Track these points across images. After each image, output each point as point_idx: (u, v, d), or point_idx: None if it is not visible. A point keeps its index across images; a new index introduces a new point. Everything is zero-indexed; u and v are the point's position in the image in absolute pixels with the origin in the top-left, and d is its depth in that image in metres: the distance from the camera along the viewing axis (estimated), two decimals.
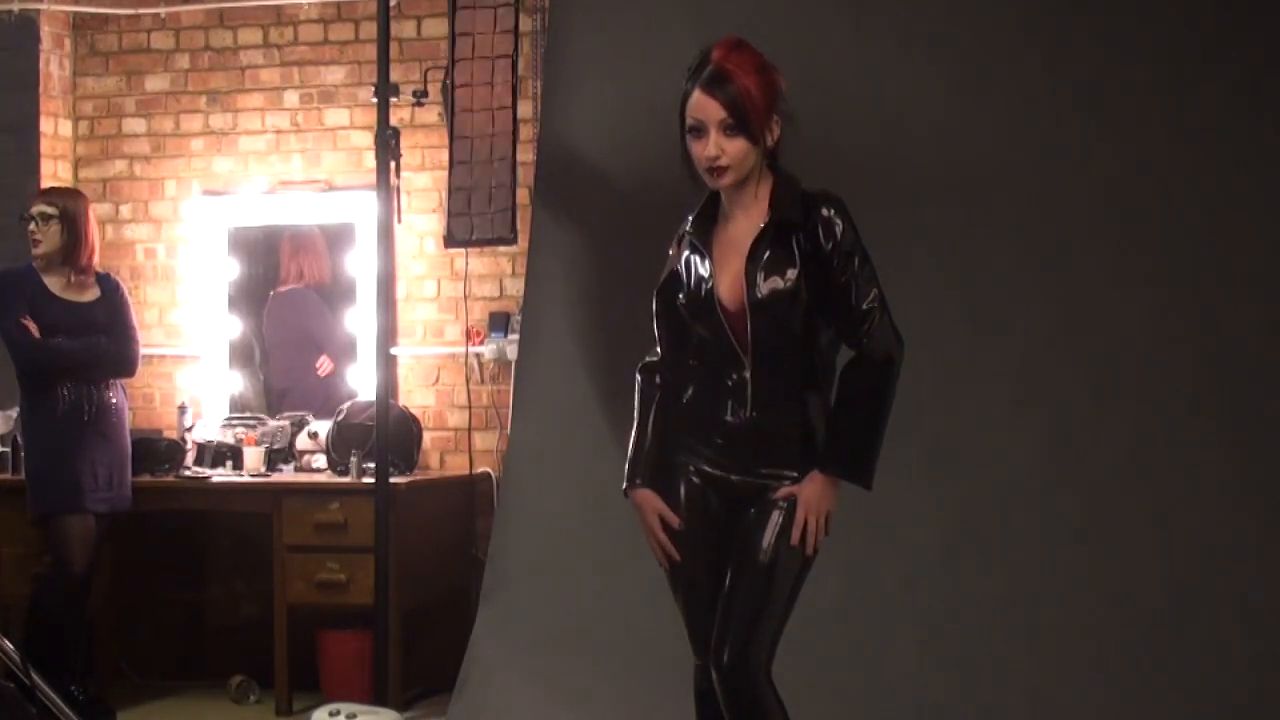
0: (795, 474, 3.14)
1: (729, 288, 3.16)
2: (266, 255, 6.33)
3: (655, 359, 3.34)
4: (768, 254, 3.13)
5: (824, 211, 3.11)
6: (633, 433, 3.32)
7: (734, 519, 3.20)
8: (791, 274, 3.10)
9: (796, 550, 3.11)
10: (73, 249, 5.36)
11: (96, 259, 5.49)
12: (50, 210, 5.35)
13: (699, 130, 3.14)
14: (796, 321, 3.12)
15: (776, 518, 3.12)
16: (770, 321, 3.12)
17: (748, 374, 3.13)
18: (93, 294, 5.42)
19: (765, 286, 3.11)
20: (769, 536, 3.12)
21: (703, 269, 3.20)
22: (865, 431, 3.12)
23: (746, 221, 3.19)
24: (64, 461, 5.25)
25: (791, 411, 3.15)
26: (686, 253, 3.26)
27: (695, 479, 3.21)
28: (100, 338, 5.34)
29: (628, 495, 3.29)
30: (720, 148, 3.11)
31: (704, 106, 3.13)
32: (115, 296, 5.46)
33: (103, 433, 5.32)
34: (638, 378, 3.35)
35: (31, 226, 5.35)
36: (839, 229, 3.09)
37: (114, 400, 5.38)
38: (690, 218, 3.30)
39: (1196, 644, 4.44)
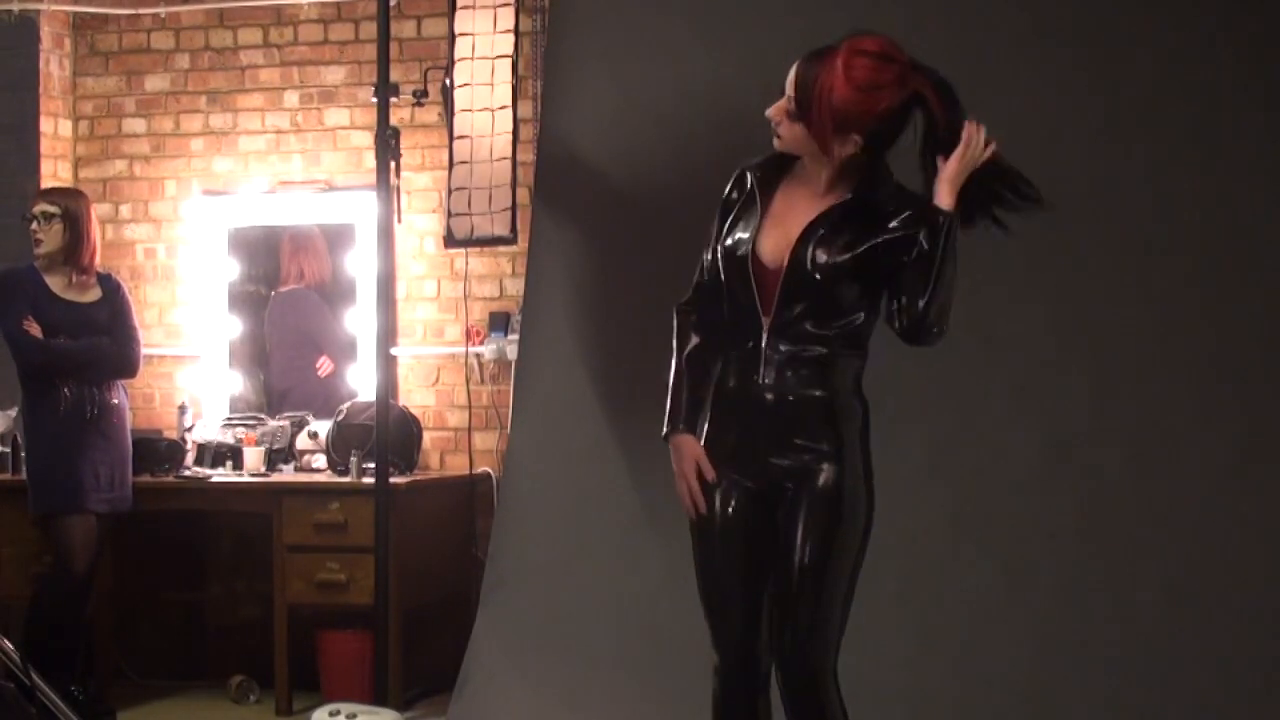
0: (826, 447, 3.08)
1: (774, 242, 3.11)
2: (267, 255, 6.33)
3: (691, 297, 3.28)
4: (833, 224, 3.08)
5: (911, 215, 3.05)
6: (670, 376, 3.25)
7: (771, 516, 3.14)
8: (851, 251, 3.06)
9: (846, 542, 3.05)
10: (75, 248, 5.36)
11: (98, 259, 5.49)
12: (53, 210, 5.35)
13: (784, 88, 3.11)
14: (837, 295, 3.07)
15: (815, 510, 3.07)
16: (806, 287, 3.07)
17: (764, 338, 3.10)
18: (94, 294, 5.42)
19: (818, 252, 3.06)
20: (812, 532, 3.06)
21: (750, 216, 3.15)
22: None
23: (817, 191, 3.13)
24: (66, 461, 5.25)
25: (814, 379, 3.09)
26: (736, 194, 3.20)
27: (726, 482, 3.16)
28: (102, 338, 5.34)
29: (667, 440, 3.23)
30: (780, 113, 3.09)
31: (790, 78, 3.09)
32: (116, 297, 5.46)
33: (104, 433, 5.32)
34: (675, 318, 3.29)
35: (34, 226, 5.35)
36: (942, 234, 3.02)
37: (115, 401, 5.38)
38: (757, 161, 3.23)
39: (1197, 644, 4.44)
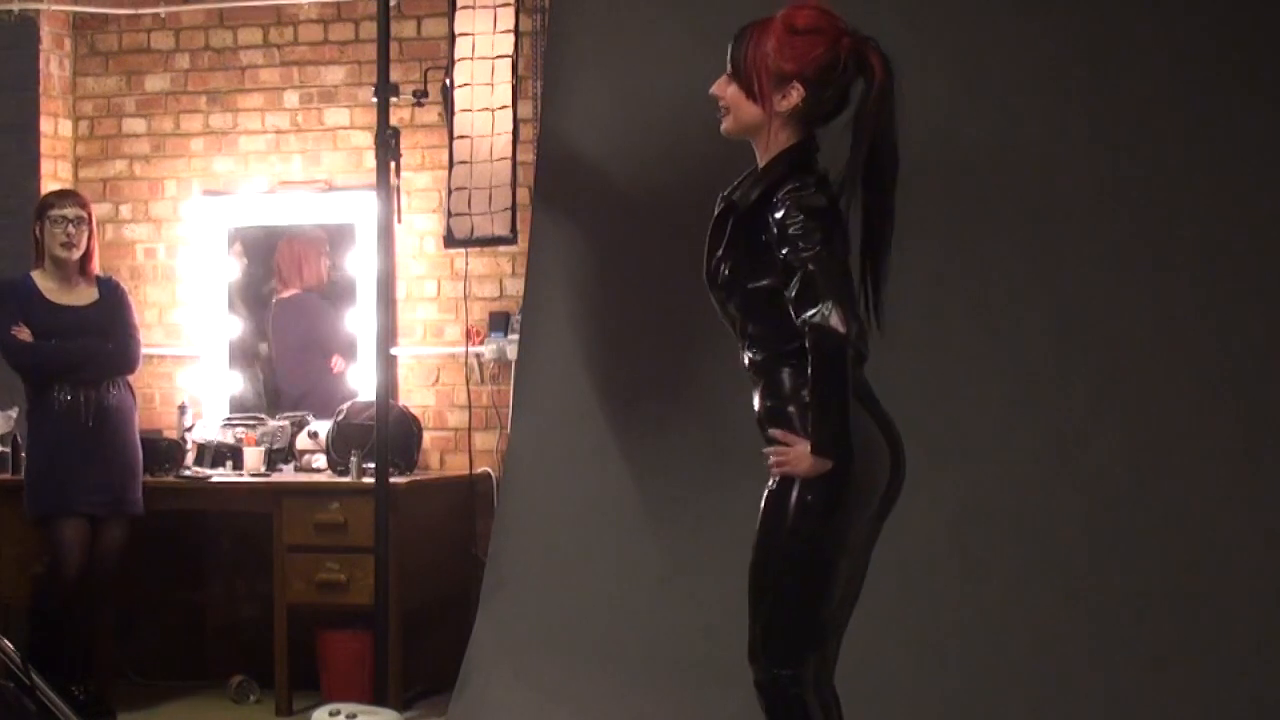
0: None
1: None
2: (267, 255, 6.33)
3: None
4: (720, 222, 3.05)
5: (775, 199, 2.94)
6: None
7: None
8: (733, 251, 3.01)
9: (778, 544, 2.94)
10: (91, 252, 5.43)
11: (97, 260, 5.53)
12: (84, 214, 5.40)
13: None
14: (740, 299, 3.01)
15: (761, 517, 2.99)
16: (720, 297, 3.06)
17: (741, 349, 3.08)
18: (90, 296, 5.43)
19: (713, 262, 3.05)
20: (756, 540, 3.00)
21: None
22: (814, 409, 2.87)
23: None
24: (58, 464, 5.27)
25: (768, 389, 3.02)
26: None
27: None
28: (94, 339, 5.34)
29: None
30: (723, 88, 3.07)
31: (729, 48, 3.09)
32: (115, 297, 5.47)
33: (100, 436, 5.32)
34: None
35: (71, 230, 5.36)
36: (779, 214, 2.92)
37: (113, 404, 5.37)
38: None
39: (1197, 644, 4.44)
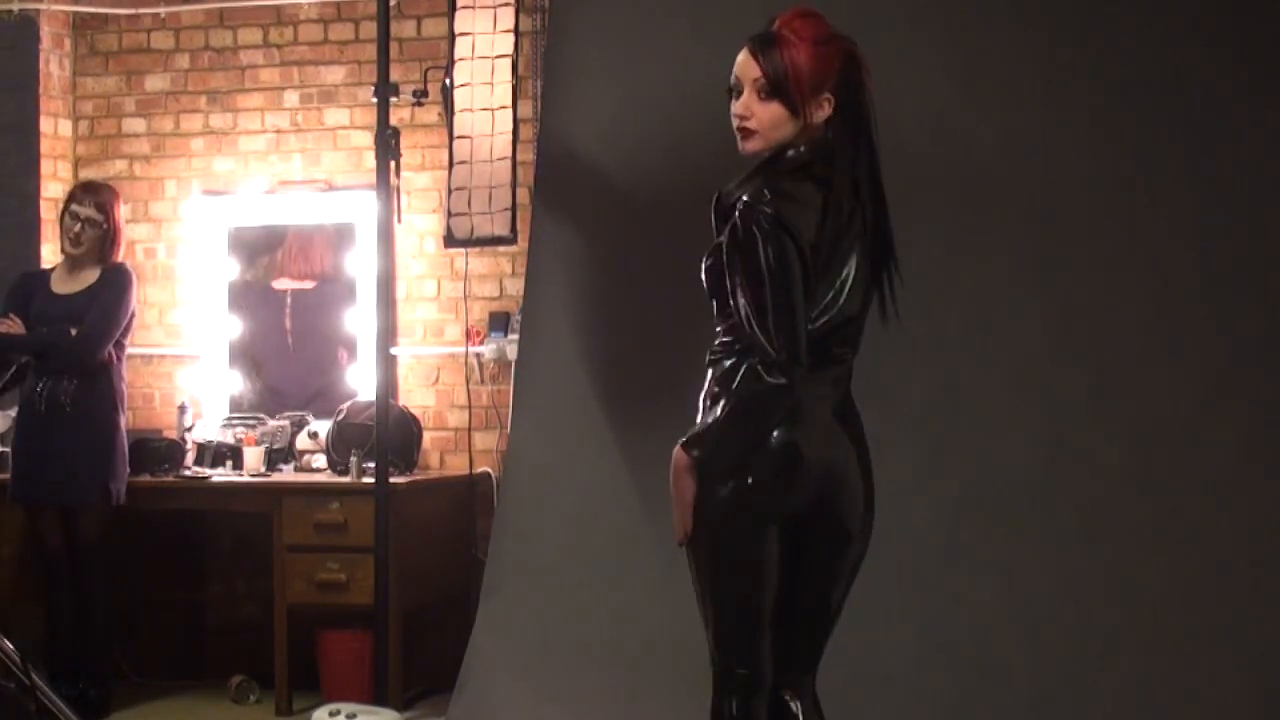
0: None
1: None
2: (267, 255, 6.32)
3: None
4: (716, 212, 3.04)
5: (735, 206, 2.91)
6: None
7: None
8: (711, 257, 3.00)
9: (696, 544, 3.06)
10: (107, 251, 5.44)
11: (121, 252, 5.54)
12: (99, 217, 5.41)
13: (735, 89, 3.02)
14: (714, 289, 2.99)
15: None
16: (707, 279, 3.03)
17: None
18: (85, 284, 5.41)
19: (708, 250, 3.04)
20: None
21: None
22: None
23: None
24: (19, 451, 5.36)
25: (716, 376, 3.02)
26: None
27: None
28: (59, 327, 5.31)
29: None
30: (749, 108, 2.98)
31: (744, 65, 3.00)
32: (104, 285, 5.39)
33: (53, 426, 5.28)
34: None
35: (77, 227, 5.38)
36: (735, 230, 2.89)
37: (71, 395, 5.29)
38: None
39: (1197, 644, 4.44)
